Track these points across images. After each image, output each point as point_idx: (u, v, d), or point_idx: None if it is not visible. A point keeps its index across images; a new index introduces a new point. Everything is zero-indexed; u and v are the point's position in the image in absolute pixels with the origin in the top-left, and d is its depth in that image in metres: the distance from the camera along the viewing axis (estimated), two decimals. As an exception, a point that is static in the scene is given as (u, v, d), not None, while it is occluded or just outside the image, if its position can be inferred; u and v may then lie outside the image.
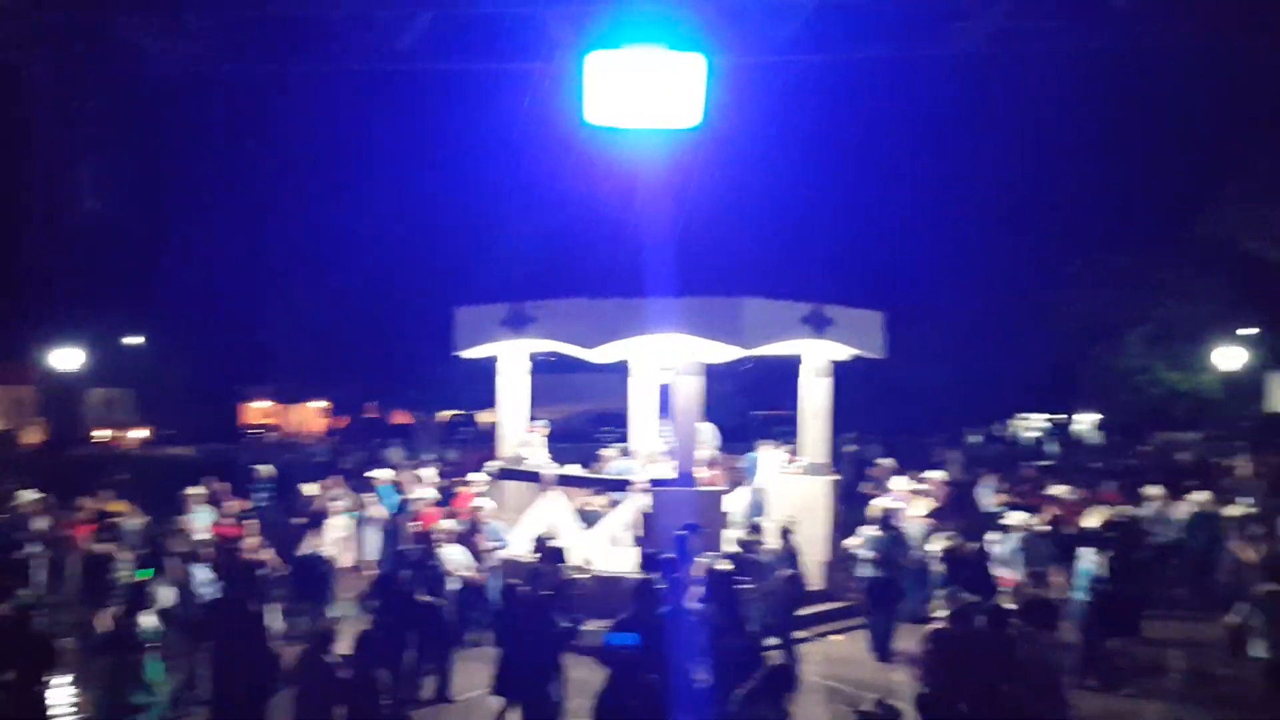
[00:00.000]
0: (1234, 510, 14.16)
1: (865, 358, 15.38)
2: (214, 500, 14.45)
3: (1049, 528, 13.01)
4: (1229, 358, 27.78)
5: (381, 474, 16.43)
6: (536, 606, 9.13)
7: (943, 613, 8.64)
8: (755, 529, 12.61)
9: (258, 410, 45.66)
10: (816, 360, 15.50)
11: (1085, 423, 35.64)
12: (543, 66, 10.61)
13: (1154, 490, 15.47)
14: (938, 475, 15.77)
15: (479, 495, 14.27)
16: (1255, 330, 31.38)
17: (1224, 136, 21.97)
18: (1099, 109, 26.86)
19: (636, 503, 13.62)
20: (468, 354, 15.57)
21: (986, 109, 28.71)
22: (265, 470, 17.33)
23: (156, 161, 31.35)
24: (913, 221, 30.70)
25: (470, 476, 15.29)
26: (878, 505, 13.52)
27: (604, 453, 16.27)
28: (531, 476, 14.69)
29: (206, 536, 12.44)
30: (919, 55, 12.87)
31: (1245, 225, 21.26)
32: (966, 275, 29.60)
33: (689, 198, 11.27)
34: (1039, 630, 8.69)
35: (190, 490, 14.20)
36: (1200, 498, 15.13)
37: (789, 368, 16.01)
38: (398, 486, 16.10)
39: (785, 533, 12.12)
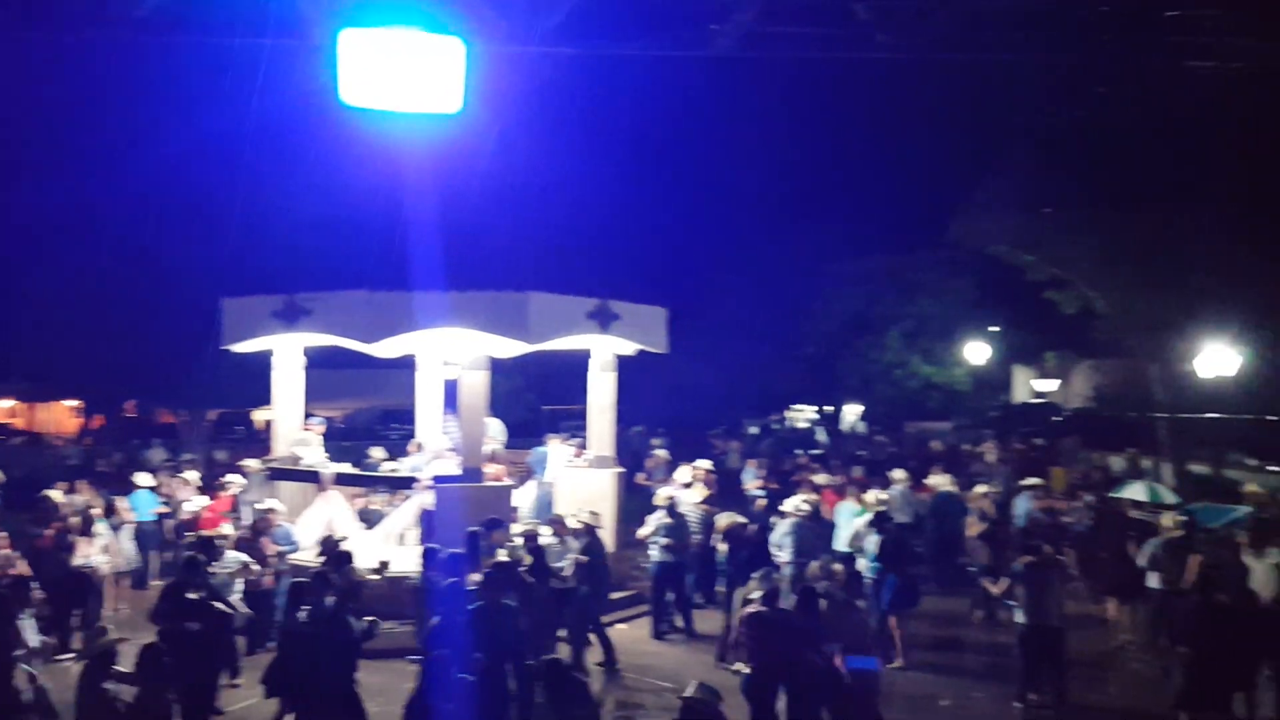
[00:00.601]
0: (979, 491, 15.42)
1: (650, 352, 15.74)
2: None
3: (810, 510, 13.74)
4: (977, 352, 30.25)
5: (139, 477, 15.39)
6: (328, 610, 8.72)
7: (757, 594, 8.79)
8: (555, 523, 12.62)
9: (1, 410, 41.80)
10: (603, 355, 15.70)
11: (851, 413, 37.94)
12: (299, 42, 9.94)
13: (898, 474, 16.60)
14: (704, 464, 16.37)
15: (237, 497, 13.69)
16: (999, 328, 34.42)
17: (970, 147, 23.75)
18: (860, 115, 28.46)
19: (421, 500, 13.37)
20: (238, 348, 14.80)
21: (756, 110, 29.80)
22: None
23: None
24: (687, 219, 31.52)
25: (227, 478, 14.59)
26: (663, 494, 13.85)
27: (373, 451, 15.86)
28: (309, 476, 14.15)
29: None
30: (691, 54, 13.13)
31: (989, 231, 23.12)
32: (742, 273, 30.75)
33: (469, 188, 11.12)
34: (851, 601, 9.20)
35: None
36: (940, 480, 16.39)
37: (579, 362, 16.17)
38: (156, 490, 15.17)
39: (590, 527, 12.17)
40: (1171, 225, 20.00)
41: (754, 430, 33.46)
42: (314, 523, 13.47)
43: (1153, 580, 11.75)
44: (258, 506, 12.87)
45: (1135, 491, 17.13)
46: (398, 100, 7.42)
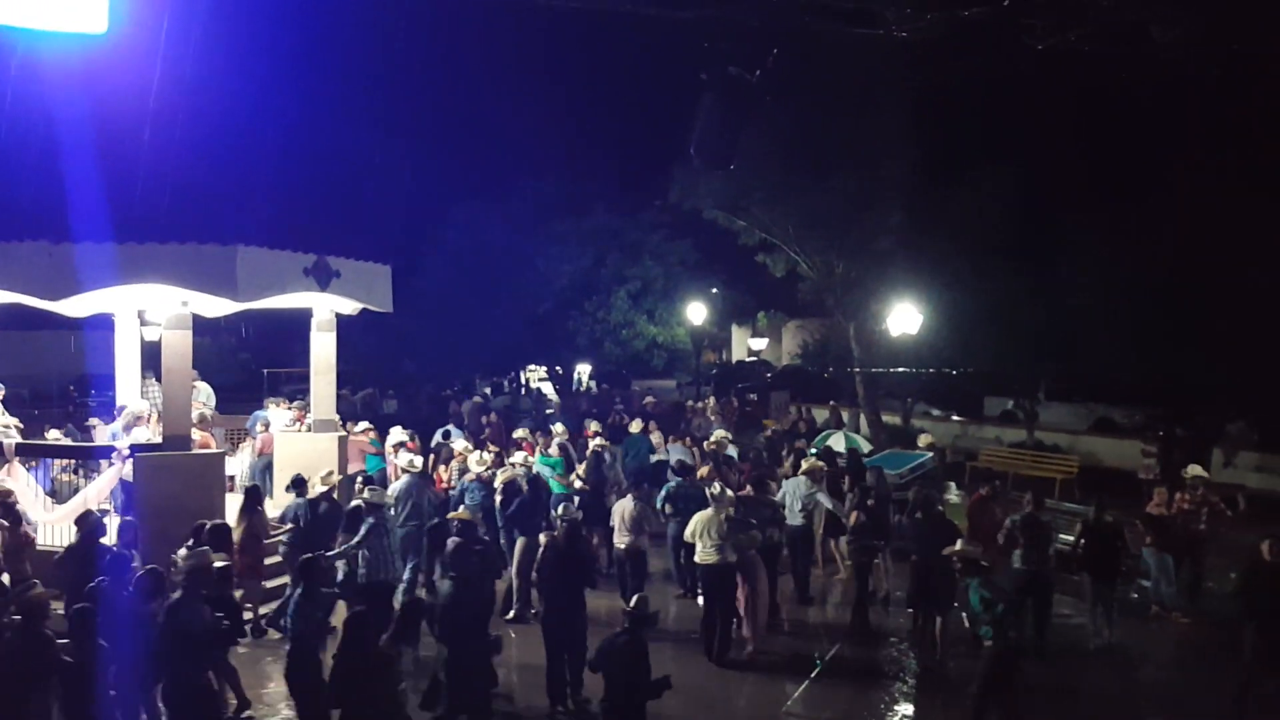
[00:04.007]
0: (717, 438, 16.49)
1: (375, 311, 15.34)
2: None
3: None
4: (698, 313, 31.66)
5: None
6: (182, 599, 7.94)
7: (561, 520, 10.20)
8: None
9: None
10: (322, 313, 15.15)
11: (583, 372, 38.67)
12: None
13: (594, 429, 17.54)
14: (360, 425, 16.68)
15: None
16: (718, 289, 36.19)
17: (680, 107, 24.46)
18: (586, 77, 28.90)
19: (118, 472, 12.39)
20: (-105, 307, 13.04)
21: (475, 61, 29.08)
22: None
23: None
24: (410, 172, 30.39)
25: None
26: (403, 460, 13.65)
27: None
28: (-15, 448, 12.74)
29: None
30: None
31: (704, 194, 24.06)
32: (468, 230, 30.32)
33: (155, 126, 10.25)
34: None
35: None
36: (635, 425, 17.82)
37: (302, 321, 15.51)
38: None
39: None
40: (861, 193, 21.73)
41: (490, 389, 33.35)
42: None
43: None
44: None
45: (835, 440, 18.77)
46: (30, 15, 6.52)
